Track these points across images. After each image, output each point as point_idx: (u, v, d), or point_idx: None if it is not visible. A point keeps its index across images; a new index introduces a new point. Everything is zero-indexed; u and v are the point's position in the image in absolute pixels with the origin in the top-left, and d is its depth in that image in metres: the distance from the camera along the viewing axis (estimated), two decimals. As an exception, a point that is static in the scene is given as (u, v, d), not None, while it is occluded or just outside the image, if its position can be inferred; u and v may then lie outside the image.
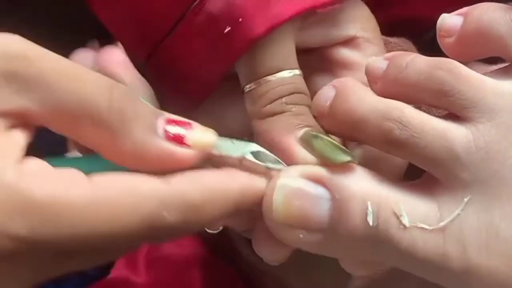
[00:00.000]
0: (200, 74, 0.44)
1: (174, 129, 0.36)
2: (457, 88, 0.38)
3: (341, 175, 0.39)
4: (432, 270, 0.38)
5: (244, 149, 0.39)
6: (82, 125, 0.35)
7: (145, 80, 0.43)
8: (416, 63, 0.40)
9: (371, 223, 0.38)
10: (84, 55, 0.53)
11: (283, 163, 0.40)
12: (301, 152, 0.40)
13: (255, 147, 0.39)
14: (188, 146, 0.36)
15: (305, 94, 0.42)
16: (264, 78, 0.41)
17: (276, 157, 0.40)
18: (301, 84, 0.42)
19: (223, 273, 0.61)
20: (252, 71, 0.42)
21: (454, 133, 0.38)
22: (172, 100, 0.47)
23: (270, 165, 0.39)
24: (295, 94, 0.42)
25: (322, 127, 0.41)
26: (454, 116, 0.39)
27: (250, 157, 0.39)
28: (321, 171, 0.39)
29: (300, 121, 0.41)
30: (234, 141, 0.39)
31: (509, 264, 0.37)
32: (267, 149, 0.40)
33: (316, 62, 0.45)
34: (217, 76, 0.43)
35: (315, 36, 0.44)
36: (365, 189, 0.39)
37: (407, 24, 0.46)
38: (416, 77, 0.39)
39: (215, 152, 0.38)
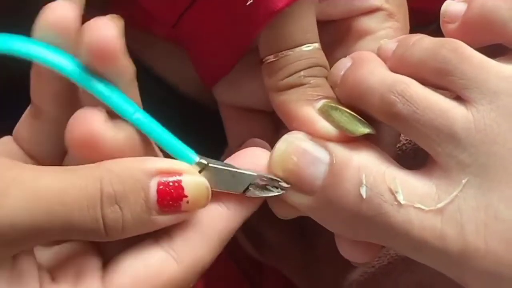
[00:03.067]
0: (222, 47, 0.44)
1: (168, 187, 0.37)
2: (459, 68, 0.38)
3: (347, 145, 0.39)
4: (428, 252, 0.38)
5: (244, 183, 0.39)
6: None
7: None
8: (422, 42, 0.40)
9: (364, 195, 0.38)
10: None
11: (283, 183, 0.40)
12: (322, 122, 0.40)
13: (253, 177, 0.39)
14: (186, 197, 0.37)
15: (323, 67, 0.42)
16: (283, 52, 0.42)
17: (274, 177, 0.40)
18: (320, 57, 0.42)
19: (225, 269, 0.61)
20: (272, 44, 0.42)
21: (455, 113, 0.38)
22: (200, 69, 0.47)
23: (272, 193, 0.40)
24: (313, 68, 0.42)
25: (337, 97, 0.42)
26: (457, 97, 0.39)
27: (251, 192, 0.39)
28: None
29: (318, 93, 0.41)
30: (231, 170, 0.39)
31: (507, 246, 0.37)
32: (285, 123, 0.41)
33: (337, 33, 0.45)
34: (240, 49, 0.43)
35: (338, 6, 0.44)
36: (364, 160, 0.39)
37: (410, 16, 0.46)
38: (420, 54, 0.40)
39: (215, 189, 0.39)
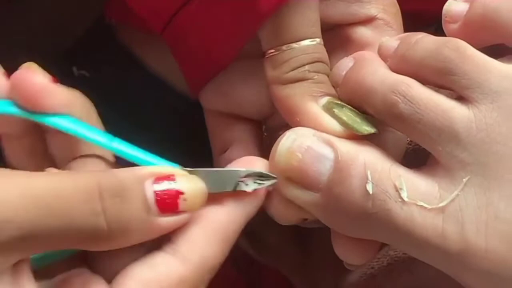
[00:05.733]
0: (222, 40, 0.44)
1: (163, 187, 0.37)
2: (461, 67, 0.38)
3: (351, 141, 0.39)
4: (429, 250, 0.38)
5: (232, 181, 0.39)
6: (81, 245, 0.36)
7: (79, 95, 0.40)
8: (424, 41, 0.40)
9: (370, 191, 0.38)
10: None
11: (272, 175, 0.40)
12: (327, 118, 0.40)
13: (239, 173, 0.39)
14: (182, 193, 0.37)
15: (326, 63, 0.42)
16: (288, 45, 0.42)
17: (262, 171, 0.40)
18: (323, 53, 0.42)
19: (222, 268, 0.61)
20: (276, 37, 0.42)
21: (456, 112, 0.38)
22: (191, 71, 0.46)
23: (262, 185, 0.40)
24: (317, 63, 0.42)
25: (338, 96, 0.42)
26: (459, 97, 0.39)
27: (241, 187, 0.39)
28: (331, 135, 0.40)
29: (321, 89, 0.42)
30: (217, 170, 0.39)
31: (507, 246, 0.37)
32: (285, 117, 0.41)
33: (334, 41, 0.45)
34: (241, 42, 0.43)
35: (336, 8, 0.44)
36: (369, 157, 0.39)
37: (409, 18, 0.46)
38: (422, 53, 0.40)
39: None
